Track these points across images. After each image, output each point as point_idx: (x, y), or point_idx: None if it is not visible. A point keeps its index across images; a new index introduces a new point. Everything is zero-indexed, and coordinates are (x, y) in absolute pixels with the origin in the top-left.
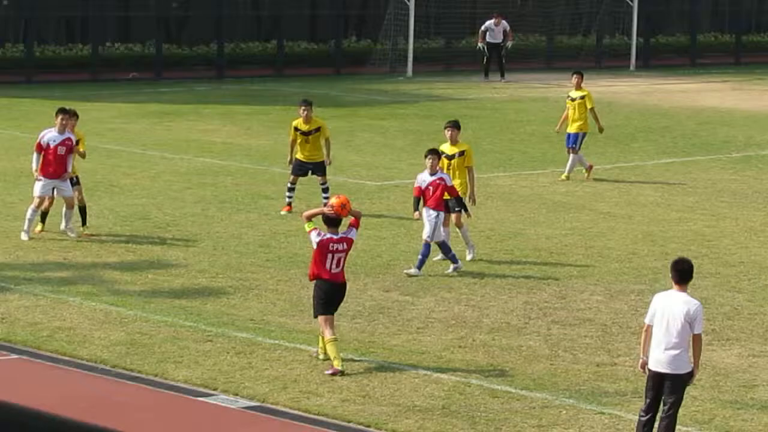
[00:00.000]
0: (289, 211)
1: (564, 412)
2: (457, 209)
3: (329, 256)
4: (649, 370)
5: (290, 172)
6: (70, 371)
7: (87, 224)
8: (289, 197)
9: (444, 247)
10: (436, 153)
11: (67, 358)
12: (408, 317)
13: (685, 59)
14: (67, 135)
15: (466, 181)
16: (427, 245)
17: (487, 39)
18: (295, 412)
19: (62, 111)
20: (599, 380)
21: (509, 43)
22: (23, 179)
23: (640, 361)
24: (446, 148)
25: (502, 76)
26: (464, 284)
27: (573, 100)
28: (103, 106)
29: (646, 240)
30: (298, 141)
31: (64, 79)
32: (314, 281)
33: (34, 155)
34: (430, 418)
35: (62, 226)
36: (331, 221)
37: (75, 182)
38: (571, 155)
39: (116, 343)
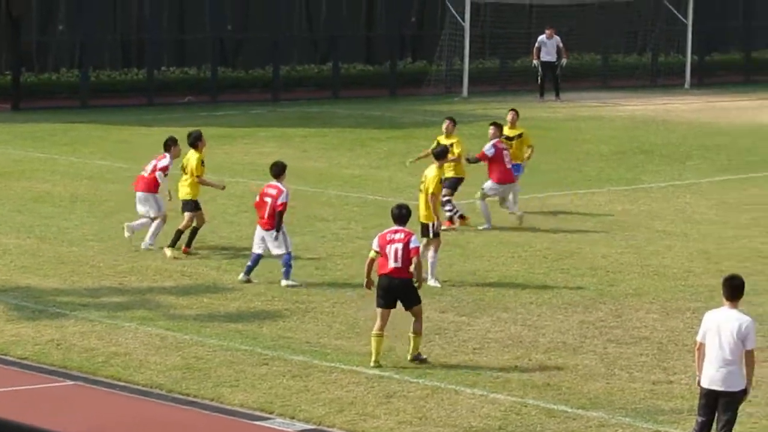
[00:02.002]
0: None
1: (620, 430)
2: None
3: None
4: (703, 388)
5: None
6: (127, 397)
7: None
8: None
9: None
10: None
11: (123, 383)
12: (464, 338)
13: (740, 76)
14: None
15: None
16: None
17: (542, 57)
18: None
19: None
20: (655, 398)
21: (564, 61)
22: (78, 204)
23: (697, 379)
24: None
25: (557, 95)
26: (520, 304)
27: (510, 139)
28: (159, 131)
29: (702, 258)
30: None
31: (120, 104)
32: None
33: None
34: None
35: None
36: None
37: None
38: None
39: (172, 368)
